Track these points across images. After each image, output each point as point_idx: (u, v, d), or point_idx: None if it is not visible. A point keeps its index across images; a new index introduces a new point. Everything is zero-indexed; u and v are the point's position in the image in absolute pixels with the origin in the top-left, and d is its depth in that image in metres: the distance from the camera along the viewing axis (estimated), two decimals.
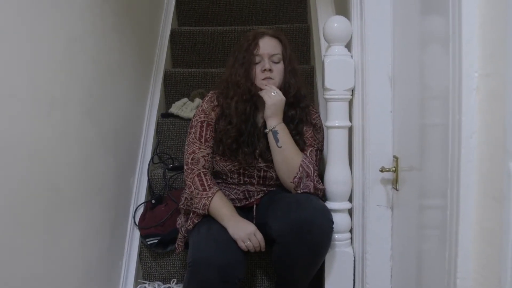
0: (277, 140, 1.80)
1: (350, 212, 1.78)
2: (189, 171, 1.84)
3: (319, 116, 1.96)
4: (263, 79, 1.82)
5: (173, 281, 2.14)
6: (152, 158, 2.43)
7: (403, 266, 1.57)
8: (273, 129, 1.80)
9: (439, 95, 1.14)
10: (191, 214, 1.82)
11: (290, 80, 1.85)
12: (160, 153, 2.53)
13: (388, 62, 1.59)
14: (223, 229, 1.74)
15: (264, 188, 1.93)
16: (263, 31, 1.88)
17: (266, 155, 1.85)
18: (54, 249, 1.47)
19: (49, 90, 1.44)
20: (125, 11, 2.20)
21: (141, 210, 2.22)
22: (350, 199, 1.77)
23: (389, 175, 1.60)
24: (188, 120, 2.51)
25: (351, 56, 1.71)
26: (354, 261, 1.76)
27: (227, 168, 1.89)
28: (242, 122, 1.84)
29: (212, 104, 1.90)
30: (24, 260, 1.30)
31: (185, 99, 2.68)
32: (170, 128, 2.59)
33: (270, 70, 1.82)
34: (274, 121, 1.80)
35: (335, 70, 1.69)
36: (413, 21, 1.39)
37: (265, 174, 1.89)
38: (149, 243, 2.11)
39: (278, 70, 1.84)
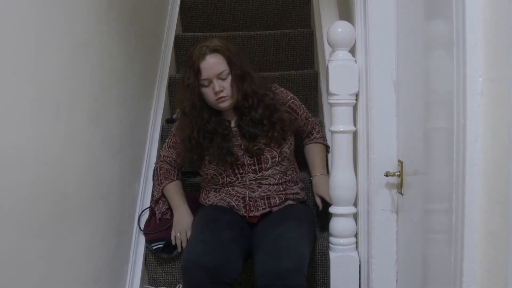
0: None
1: (355, 216, 1.78)
2: (155, 167, 2.19)
3: (287, 93, 2.00)
4: (217, 100, 1.83)
5: (179, 286, 2.14)
6: None
7: (409, 270, 1.56)
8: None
9: (443, 99, 1.14)
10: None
11: (241, 87, 1.85)
12: None
13: (392, 66, 1.59)
14: (216, 230, 1.80)
15: (264, 192, 1.92)
16: (203, 51, 1.82)
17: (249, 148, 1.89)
18: (61, 254, 1.47)
19: (55, 95, 1.45)
20: (130, 17, 2.21)
21: (146, 215, 2.23)
22: (355, 204, 1.77)
23: (394, 180, 1.60)
24: None
25: (355, 61, 1.71)
26: (360, 265, 1.76)
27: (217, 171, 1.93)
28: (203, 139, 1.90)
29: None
30: (31, 265, 1.30)
31: None
32: None
33: (221, 90, 1.82)
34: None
35: (340, 75, 1.70)
36: (417, 25, 1.39)
37: (258, 158, 1.91)
38: (154, 248, 2.12)
39: (228, 84, 1.84)
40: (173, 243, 2.03)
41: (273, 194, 1.92)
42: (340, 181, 1.74)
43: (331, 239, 1.79)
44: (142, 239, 2.18)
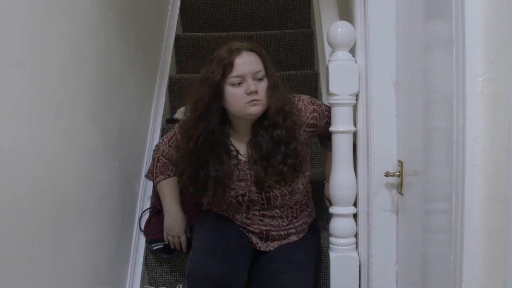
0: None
1: (355, 216, 1.78)
2: (152, 155, 2.03)
3: (307, 106, 1.76)
4: (248, 102, 1.62)
5: (179, 286, 2.14)
6: None
7: (409, 270, 1.56)
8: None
9: (443, 99, 1.14)
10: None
11: (273, 97, 1.65)
12: None
13: (392, 66, 1.59)
14: (224, 238, 1.74)
15: (264, 226, 1.82)
16: (238, 46, 1.66)
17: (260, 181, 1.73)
18: (61, 254, 1.47)
19: (55, 96, 1.45)
20: (130, 17, 2.22)
21: (146, 215, 2.23)
22: (355, 204, 1.77)
23: (393, 180, 1.60)
24: None
25: (355, 61, 1.71)
26: (360, 265, 1.76)
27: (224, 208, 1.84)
28: (204, 151, 1.72)
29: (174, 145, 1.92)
30: (31, 265, 1.31)
31: None
32: None
33: (256, 92, 1.62)
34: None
35: (339, 75, 1.70)
36: (417, 25, 1.39)
37: (267, 195, 1.76)
38: (154, 248, 2.12)
39: (263, 88, 1.64)
40: (166, 243, 2.02)
41: (274, 229, 1.82)
42: (340, 181, 1.74)
43: (331, 239, 1.79)
44: (142, 239, 2.18)
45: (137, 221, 2.19)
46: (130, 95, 2.21)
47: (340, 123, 1.71)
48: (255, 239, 1.84)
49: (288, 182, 1.73)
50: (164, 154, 1.96)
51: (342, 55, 1.71)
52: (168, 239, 1.98)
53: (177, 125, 1.91)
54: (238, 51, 1.64)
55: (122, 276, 2.01)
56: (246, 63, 1.63)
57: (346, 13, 2.13)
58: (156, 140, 2.52)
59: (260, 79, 1.64)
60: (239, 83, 1.62)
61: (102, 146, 1.81)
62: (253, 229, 1.82)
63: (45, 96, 1.40)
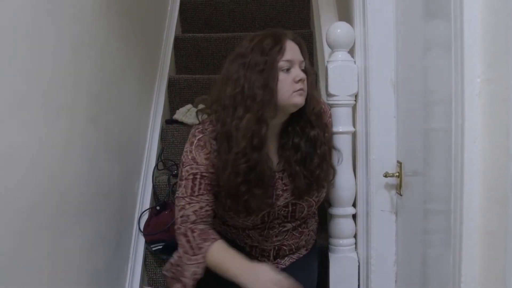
0: None
1: (354, 217, 1.78)
2: (177, 230, 1.49)
3: (326, 106, 1.67)
4: (296, 91, 1.47)
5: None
6: (156, 165, 2.44)
7: (408, 271, 1.57)
8: None
9: (442, 100, 1.15)
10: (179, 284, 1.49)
11: (313, 92, 1.53)
12: (164, 159, 2.53)
13: (391, 67, 1.60)
14: None
15: (278, 241, 1.62)
16: (284, 32, 1.51)
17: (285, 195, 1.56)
18: (61, 254, 1.47)
19: (55, 97, 1.45)
20: (130, 18, 2.22)
21: (145, 216, 2.23)
22: (354, 205, 1.77)
23: (393, 180, 1.60)
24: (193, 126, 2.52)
25: (354, 61, 1.71)
26: (359, 266, 1.76)
27: (240, 223, 1.57)
28: (255, 151, 1.43)
29: (203, 150, 1.51)
30: (31, 266, 1.31)
31: (189, 106, 2.69)
32: (174, 135, 2.60)
33: (302, 80, 1.48)
34: None
35: (339, 75, 1.70)
36: (415, 26, 1.39)
37: (293, 208, 1.58)
38: (154, 249, 2.12)
39: (306, 80, 1.51)
40: None
41: (287, 243, 1.65)
42: (339, 181, 1.74)
43: (330, 240, 1.79)
44: (142, 239, 2.18)
45: (137, 221, 2.19)
46: (130, 96, 2.21)
47: (339, 124, 1.71)
48: (261, 257, 1.65)
49: (319, 190, 1.59)
50: (195, 216, 1.49)
51: (341, 55, 1.71)
52: None
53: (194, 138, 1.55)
54: (285, 36, 1.49)
55: (121, 277, 2.01)
56: (295, 49, 1.50)
57: (345, 14, 2.14)
58: (156, 140, 2.51)
59: (303, 70, 1.51)
60: (287, 69, 1.47)
61: (102, 147, 1.82)
62: (264, 247, 1.63)
63: (44, 97, 1.40)
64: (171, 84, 2.82)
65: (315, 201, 1.61)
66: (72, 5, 1.59)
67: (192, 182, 1.49)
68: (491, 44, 0.97)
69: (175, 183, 2.31)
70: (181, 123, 2.60)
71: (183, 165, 1.52)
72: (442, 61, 1.13)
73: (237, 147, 1.42)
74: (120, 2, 2.08)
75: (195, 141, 1.52)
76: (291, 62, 1.47)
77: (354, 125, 1.74)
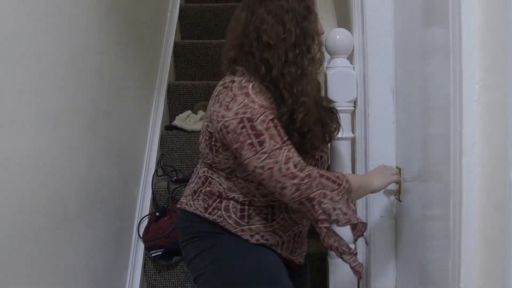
0: None
1: None
2: (307, 179, 1.28)
3: None
4: None
5: None
6: (156, 171, 2.44)
7: (407, 276, 1.57)
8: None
9: (440, 106, 1.15)
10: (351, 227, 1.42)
11: None
12: (164, 165, 2.54)
13: (390, 73, 1.60)
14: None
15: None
16: None
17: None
18: (60, 260, 1.47)
19: (55, 103, 1.46)
20: (129, 24, 2.23)
21: (145, 222, 2.23)
22: None
23: (392, 186, 1.61)
24: (192, 132, 2.53)
25: (353, 68, 1.72)
26: None
27: None
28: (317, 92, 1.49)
29: (264, 95, 1.35)
30: (30, 271, 1.31)
31: (188, 112, 2.69)
32: (174, 141, 2.60)
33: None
34: None
35: (338, 82, 1.70)
36: (414, 32, 1.40)
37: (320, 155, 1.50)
38: (153, 255, 2.12)
39: None
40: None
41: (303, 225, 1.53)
42: None
43: None
44: (141, 245, 2.18)
45: (136, 227, 2.19)
46: (129, 102, 2.22)
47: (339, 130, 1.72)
48: (299, 255, 1.55)
49: (326, 146, 1.55)
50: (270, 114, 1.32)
51: (340, 62, 1.72)
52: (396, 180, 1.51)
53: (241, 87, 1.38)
54: None
55: (120, 283, 2.01)
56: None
57: (344, 20, 2.14)
58: (155, 146, 2.51)
59: None
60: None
61: (101, 153, 1.82)
62: (303, 232, 1.55)
63: (45, 103, 1.40)
64: (170, 90, 2.83)
65: (327, 154, 1.56)
66: (71, 13, 1.60)
67: (275, 128, 1.31)
68: (489, 51, 0.97)
69: (175, 189, 2.32)
70: (181, 129, 2.60)
71: (251, 120, 1.30)
72: (440, 67, 1.14)
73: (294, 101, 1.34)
74: (120, 10, 2.09)
75: (250, 90, 1.34)
76: (316, 14, 1.57)
77: (353, 131, 1.74)
